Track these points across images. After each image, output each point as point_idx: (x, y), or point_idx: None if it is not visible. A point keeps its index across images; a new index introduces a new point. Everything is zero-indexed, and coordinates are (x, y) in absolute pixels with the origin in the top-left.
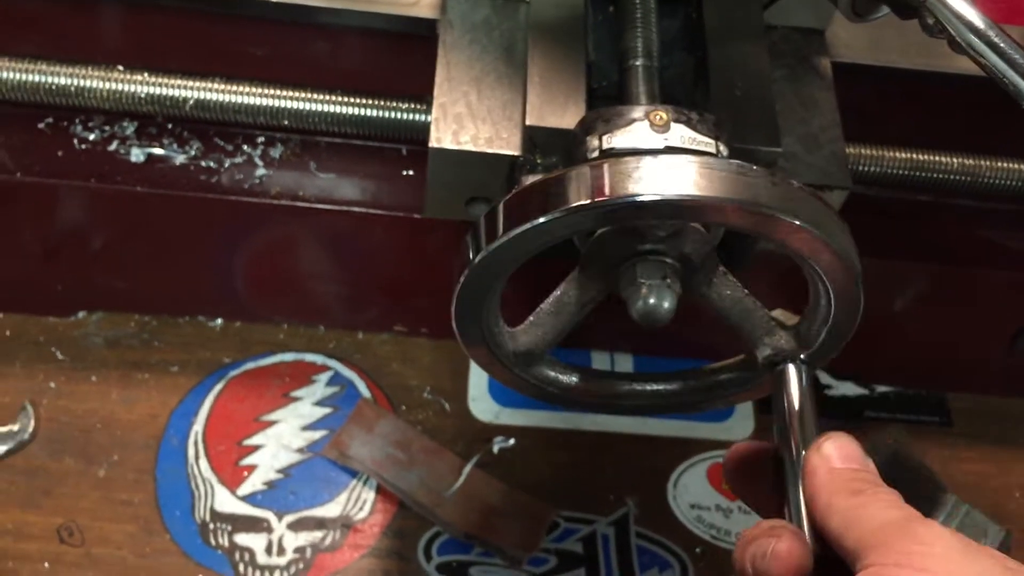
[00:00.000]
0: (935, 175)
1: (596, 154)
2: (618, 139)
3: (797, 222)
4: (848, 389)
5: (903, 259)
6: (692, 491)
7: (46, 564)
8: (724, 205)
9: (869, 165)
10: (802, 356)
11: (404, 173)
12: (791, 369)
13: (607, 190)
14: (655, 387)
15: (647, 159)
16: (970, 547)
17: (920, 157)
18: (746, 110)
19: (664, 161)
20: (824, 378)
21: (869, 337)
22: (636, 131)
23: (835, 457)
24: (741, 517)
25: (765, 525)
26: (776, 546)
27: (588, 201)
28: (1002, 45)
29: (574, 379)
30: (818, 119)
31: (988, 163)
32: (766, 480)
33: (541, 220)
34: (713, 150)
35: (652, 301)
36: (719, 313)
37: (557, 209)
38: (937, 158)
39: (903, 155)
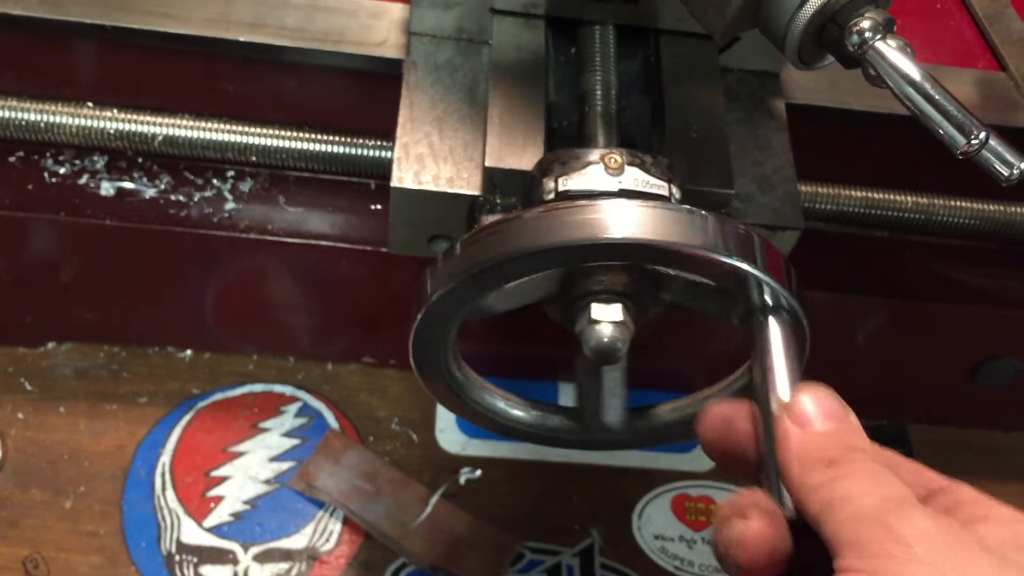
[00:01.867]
0: (890, 213)
1: (552, 196)
2: (573, 181)
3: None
4: None
5: (862, 294)
6: (656, 522)
7: None
8: (662, 247)
9: (825, 203)
10: (784, 306)
11: (372, 207)
12: (771, 320)
13: (552, 235)
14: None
15: (596, 203)
16: (959, 541)
17: (875, 196)
18: (701, 152)
19: (610, 205)
20: None
21: (830, 370)
22: (591, 174)
23: (815, 416)
24: (705, 549)
25: (740, 501)
26: (744, 530)
27: (534, 246)
28: (937, 97)
29: (531, 414)
30: (772, 160)
31: (941, 201)
32: (748, 445)
33: (488, 263)
34: (665, 192)
35: (605, 340)
36: (685, 307)
37: (505, 253)
38: (892, 196)
39: (858, 193)
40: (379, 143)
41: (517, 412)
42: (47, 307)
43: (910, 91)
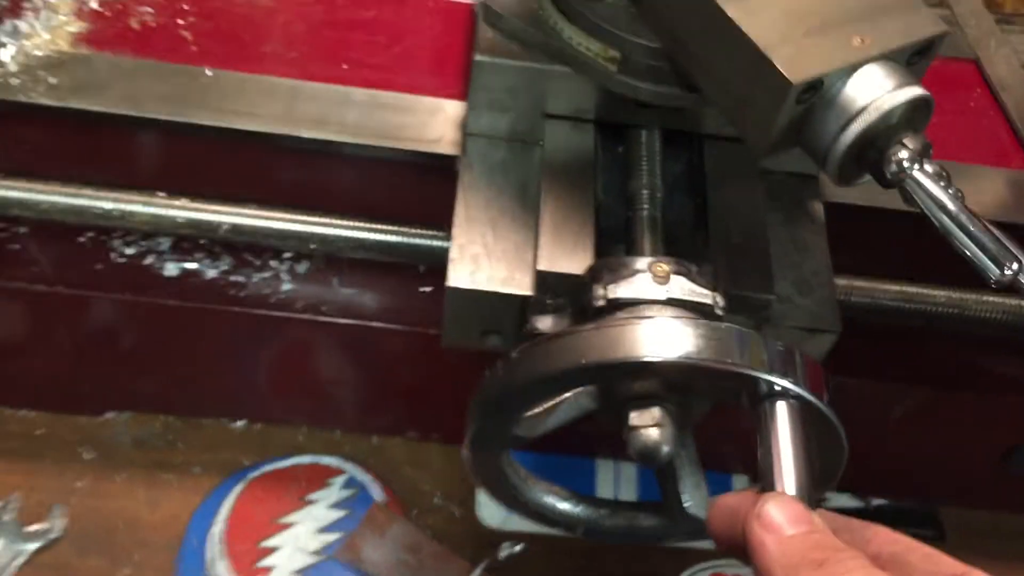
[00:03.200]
0: (924, 306)
1: (602, 303)
2: (622, 289)
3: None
4: (844, 501)
5: (896, 382)
6: None
7: None
8: (700, 365)
9: (861, 296)
10: (791, 393)
11: (421, 290)
12: (779, 405)
13: (596, 353)
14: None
15: (642, 324)
16: None
17: (910, 290)
18: (742, 257)
19: (657, 324)
20: None
21: (864, 452)
22: (639, 282)
23: (783, 523)
24: None
25: None
26: None
27: (580, 364)
28: (971, 228)
29: (576, 508)
30: (810, 263)
31: (974, 296)
32: None
33: (535, 378)
34: (710, 301)
35: (648, 443)
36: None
37: (552, 369)
38: (926, 291)
39: (894, 288)
40: (431, 232)
41: (589, 513)
42: (108, 378)
43: (945, 220)
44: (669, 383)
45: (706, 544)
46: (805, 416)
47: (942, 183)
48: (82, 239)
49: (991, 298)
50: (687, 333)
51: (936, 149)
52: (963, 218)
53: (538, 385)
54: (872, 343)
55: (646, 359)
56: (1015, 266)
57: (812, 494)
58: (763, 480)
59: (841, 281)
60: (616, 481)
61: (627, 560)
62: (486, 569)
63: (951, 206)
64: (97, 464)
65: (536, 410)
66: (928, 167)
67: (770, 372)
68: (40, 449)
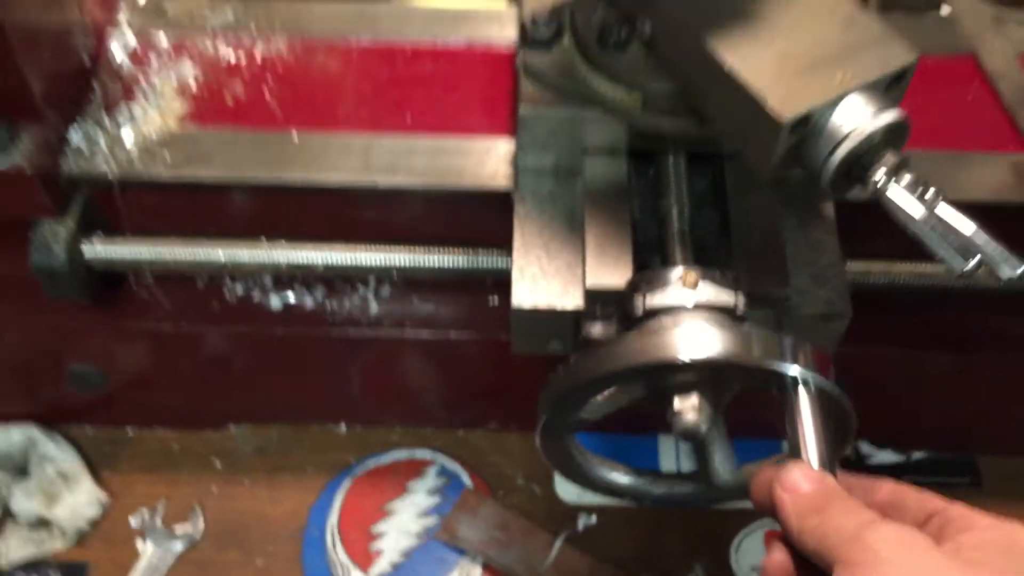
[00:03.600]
0: (937, 281)
1: (641, 312)
2: (657, 298)
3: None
4: (886, 457)
5: (923, 348)
6: (752, 554)
7: None
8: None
9: (878, 279)
10: (801, 378)
11: (489, 300)
12: (797, 389)
13: (639, 356)
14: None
15: (674, 329)
16: (919, 544)
17: (926, 269)
18: (761, 258)
19: (686, 329)
20: (864, 448)
21: (904, 410)
22: (671, 291)
23: (798, 483)
24: None
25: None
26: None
27: (628, 366)
28: (934, 235)
29: (634, 480)
30: (823, 259)
31: None
32: None
33: (589, 380)
34: (732, 301)
35: (688, 425)
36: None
37: (602, 372)
38: (939, 269)
39: (908, 268)
40: (494, 252)
41: (640, 483)
42: (228, 397)
43: (912, 228)
44: (702, 374)
45: (742, 505)
46: (819, 396)
47: (920, 189)
48: (199, 284)
49: None
50: (712, 335)
51: (938, 138)
52: (927, 227)
53: (592, 385)
54: (899, 315)
55: (677, 360)
56: (972, 263)
57: (831, 459)
58: (792, 452)
59: (858, 267)
60: (677, 454)
61: (690, 524)
62: (566, 539)
63: (918, 216)
64: (226, 471)
65: (594, 402)
66: (905, 179)
67: (780, 363)
68: (177, 462)
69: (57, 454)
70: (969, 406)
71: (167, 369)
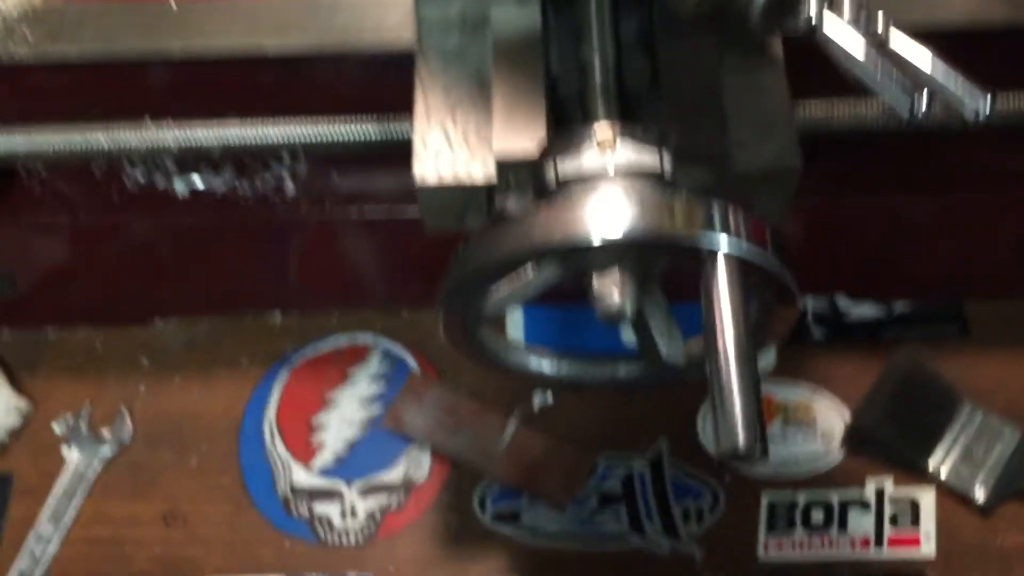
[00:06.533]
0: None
1: (553, 179)
2: (568, 165)
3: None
4: (865, 311)
5: (897, 193)
6: None
7: (157, 549)
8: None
9: (844, 121)
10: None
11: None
12: (717, 264)
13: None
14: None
15: (580, 203)
16: None
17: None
18: (695, 111)
19: (594, 202)
20: (842, 303)
21: (883, 258)
22: (585, 156)
23: None
24: None
25: None
26: None
27: (528, 246)
28: (878, 76)
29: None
30: (768, 105)
31: None
32: None
33: (485, 264)
34: (656, 163)
35: (611, 307)
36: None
37: (498, 256)
38: None
39: (875, 105)
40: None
41: (575, 370)
42: (150, 289)
43: (855, 70)
44: (616, 252)
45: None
46: (746, 270)
47: (861, 19)
48: (96, 173)
49: None
50: (624, 208)
51: None
52: (871, 65)
53: (490, 269)
54: (871, 159)
55: (580, 240)
56: (924, 99)
57: (747, 346)
58: (707, 336)
59: (820, 108)
60: None
61: (652, 398)
62: (522, 420)
63: (859, 56)
64: (154, 369)
65: (505, 287)
66: (844, 6)
67: (701, 237)
68: (101, 362)
69: None
70: (952, 250)
71: (78, 265)
